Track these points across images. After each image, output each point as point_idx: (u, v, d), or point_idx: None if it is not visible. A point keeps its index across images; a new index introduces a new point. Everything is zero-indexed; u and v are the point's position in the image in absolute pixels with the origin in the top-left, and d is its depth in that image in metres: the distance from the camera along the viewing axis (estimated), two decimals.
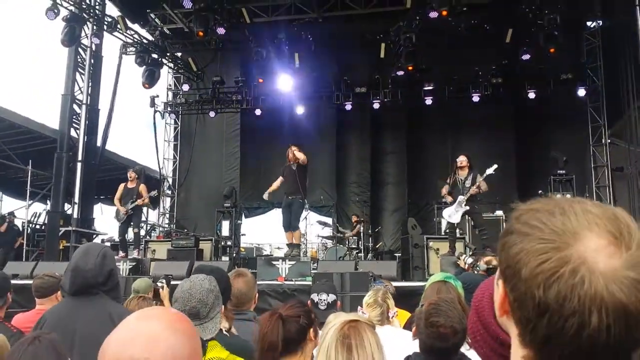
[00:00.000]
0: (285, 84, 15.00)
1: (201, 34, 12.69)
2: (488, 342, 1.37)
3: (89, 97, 13.99)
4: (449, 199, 9.40)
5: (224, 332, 2.85)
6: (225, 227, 13.79)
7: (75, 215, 13.10)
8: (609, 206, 0.79)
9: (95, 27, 13.67)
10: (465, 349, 2.68)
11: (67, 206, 13.32)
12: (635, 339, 0.73)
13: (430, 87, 14.48)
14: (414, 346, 2.53)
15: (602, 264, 0.72)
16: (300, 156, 9.65)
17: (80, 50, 13.90)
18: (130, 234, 11.27)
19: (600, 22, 14.57)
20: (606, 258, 0.72)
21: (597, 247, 0.73)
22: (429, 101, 14.68)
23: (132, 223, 10.92)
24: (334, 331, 1.93)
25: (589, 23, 14.71)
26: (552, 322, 0.73)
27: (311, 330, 2.43)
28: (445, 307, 2.48)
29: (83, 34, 13.51)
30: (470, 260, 6.49)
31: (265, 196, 10.20)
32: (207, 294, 2.46)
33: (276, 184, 10.19)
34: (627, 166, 13.30)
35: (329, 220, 15.46)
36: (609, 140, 14.30)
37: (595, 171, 14.51)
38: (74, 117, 13.75)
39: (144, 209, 13.78)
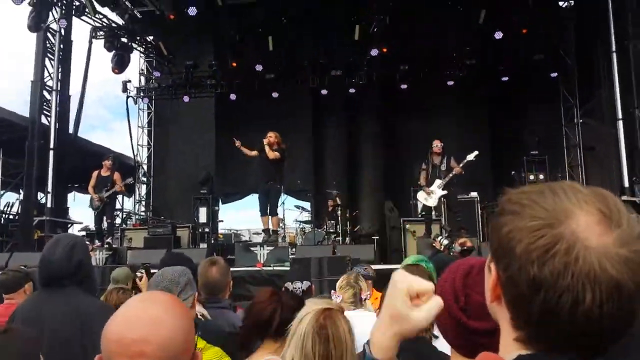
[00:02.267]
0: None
1: (172, 16, 12.45)
2: (452, 326, 1.40)
3: (59, 84, 13.67)
4: (427, 190, 9.51)
5: (199, 316, 2.85)
6: (203, 214, 13.70)
7: (49, 205, 12.88)
8: (596, 187, 0.81)
9: (63, 11, 13.34)
10: (438, 332, 2.72)
11: (40, 195, 13.08)
12: (627, 316, 0.75)
13: (406, 67, 14.42)
14: None
15: (595, 241, 0.73)
16: (271, 155, 9.61)
17: (49, 35, 13.55)
18: (105, 223, 11.15)
19: (572, 2, 14.69)
20: (598, 235, 0.73)
21: (588, 224, 0.74)
22: (404, 85, 14.69)
23: (105, 213, 10.80)
24: (309, 321, 1.92)
25: (561, 3, 14.83)
26: (547, 298, 0.74)
27: None
28: None
29: (51, 18, 13.19)
30: (445, 242, 6.57)
31: (237, 144, 9.98)
32: (178, 275, 2.47)
33: (250, 153, 10.04)
34: (598, 145, 13.52)
35: (307, 205, 15.47)
36: (581, 120, 14.50)
37: (567, 151, 14.72)
38: (45, 104, 13.46)
39: (119, 197, 13.63)
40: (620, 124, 11.71)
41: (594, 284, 0.71)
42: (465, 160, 9.24)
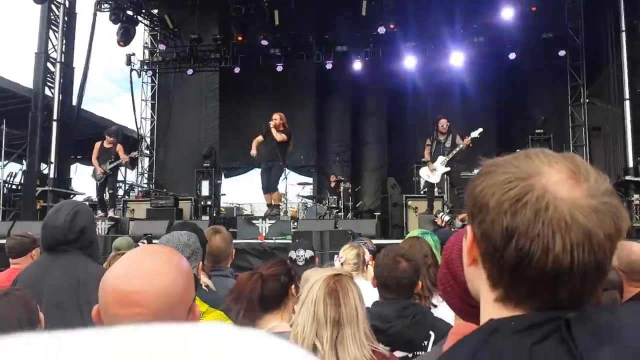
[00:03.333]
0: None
1: None
2: (457, 292, 1.38)
3: (63, 55, 13.59)
4: (431, 166, 9.48)
5: (204, 287, 2.86)
6: (205, 187, 13.75)
7: (51, 175, 12.92)
8: (567, 152, 0.84)
9: None
10: (438, 301, 2.74)
11: (43, 166, 13.12)
12: (598, 266, 0.76)
13: (413, 44, 14.29)
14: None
15: (565, 193, 0.76)
16: (279, 138, 9.55)
17: (53, 7, 13.43)
18: (107, 194, 11.18)
19: None
20: (568, 188, 0.76)
21: (559, 179, 0.77)
22: (410, 61, 14.56)
23: (107, 184, 10.81)
24: (319, 286, 1.95)
25: None
26: (519, 247, 0.76)
27: (292, 286, 2.46)
28: (399, 247, 2.65)
29: None
30: (447, 217, 6.60)
31: (253, 152, 9.96)
32: (183, 248, 2.44)
33: (258, 140, 9.97)
34: (604, 126, 13.46)
35: (310, 180, 15.48)
36: (587, 100, 14.40)
37: (573, 130, 14.66)
38: (49, 75, 13.40)
39: (121, 169, 13.65)
40: (627, 103, 11.64)
41: (564, 231, 0.74)
42: (470, 137, 9.20)
